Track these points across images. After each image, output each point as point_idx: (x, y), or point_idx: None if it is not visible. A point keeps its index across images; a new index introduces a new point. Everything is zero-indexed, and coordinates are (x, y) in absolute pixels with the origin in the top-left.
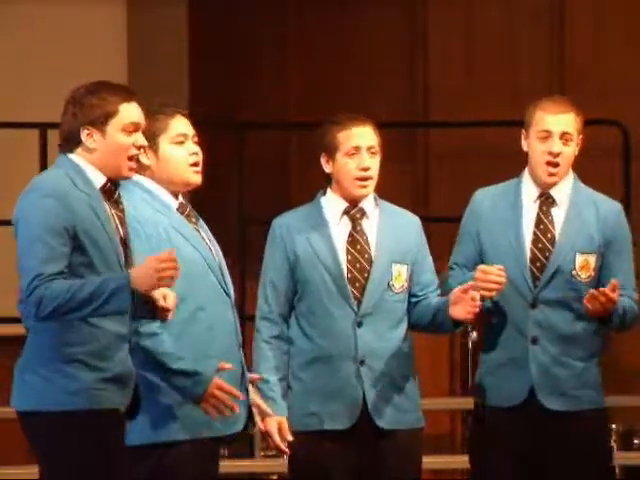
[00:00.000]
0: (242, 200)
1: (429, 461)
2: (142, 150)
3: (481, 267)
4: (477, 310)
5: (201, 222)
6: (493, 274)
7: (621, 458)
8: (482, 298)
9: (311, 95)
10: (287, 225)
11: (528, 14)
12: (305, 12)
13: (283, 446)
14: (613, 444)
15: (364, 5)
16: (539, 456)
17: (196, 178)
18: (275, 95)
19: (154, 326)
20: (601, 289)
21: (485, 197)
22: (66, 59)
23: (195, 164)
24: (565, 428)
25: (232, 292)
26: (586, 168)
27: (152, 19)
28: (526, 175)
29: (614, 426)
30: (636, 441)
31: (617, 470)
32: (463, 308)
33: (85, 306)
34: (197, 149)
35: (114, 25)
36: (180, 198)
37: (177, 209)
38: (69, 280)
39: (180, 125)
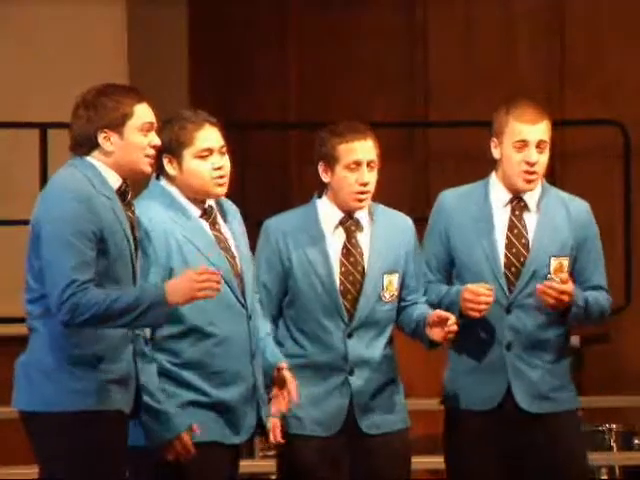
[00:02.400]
0: (242, 200)
1: (429, 461)
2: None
3: (469, 288)
4: (453, 335)
5: (230, 224)
6: (483, 295)
7: (621, 458)
8: (461, 314)
9: (311, 95)
10: (283, 230)
11: (528, 14)
12: (305, 12)
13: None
14: (613, 444)
15: (364, 5)
16: (518, 458)
17: (219, 191)
18: (275, 95)
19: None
20: (547, 283)
21: (453, 198)
22: (66, 59)
23: (219, 178)
24: (542, 430)
25: (249, 302)
26: (586, 168)
27: (152, 19)
28: (494, 179)
29: (614, 426)
30: (636, 441)
31: (617, 470)
32: (440, 332)
33: (121, 317)
34: (222, 163)
35: (114, 25)
36: (209, 201)
37: (200, 216)
38: (105, 290)
39: (206, 139)
